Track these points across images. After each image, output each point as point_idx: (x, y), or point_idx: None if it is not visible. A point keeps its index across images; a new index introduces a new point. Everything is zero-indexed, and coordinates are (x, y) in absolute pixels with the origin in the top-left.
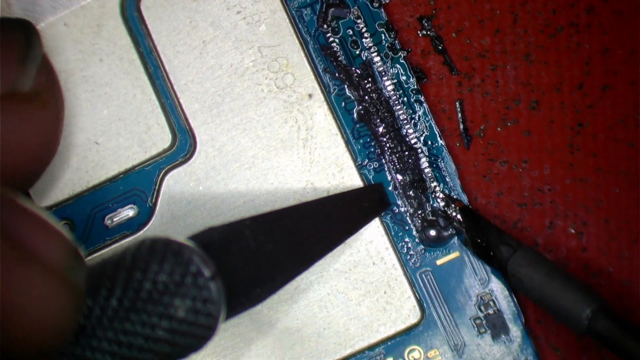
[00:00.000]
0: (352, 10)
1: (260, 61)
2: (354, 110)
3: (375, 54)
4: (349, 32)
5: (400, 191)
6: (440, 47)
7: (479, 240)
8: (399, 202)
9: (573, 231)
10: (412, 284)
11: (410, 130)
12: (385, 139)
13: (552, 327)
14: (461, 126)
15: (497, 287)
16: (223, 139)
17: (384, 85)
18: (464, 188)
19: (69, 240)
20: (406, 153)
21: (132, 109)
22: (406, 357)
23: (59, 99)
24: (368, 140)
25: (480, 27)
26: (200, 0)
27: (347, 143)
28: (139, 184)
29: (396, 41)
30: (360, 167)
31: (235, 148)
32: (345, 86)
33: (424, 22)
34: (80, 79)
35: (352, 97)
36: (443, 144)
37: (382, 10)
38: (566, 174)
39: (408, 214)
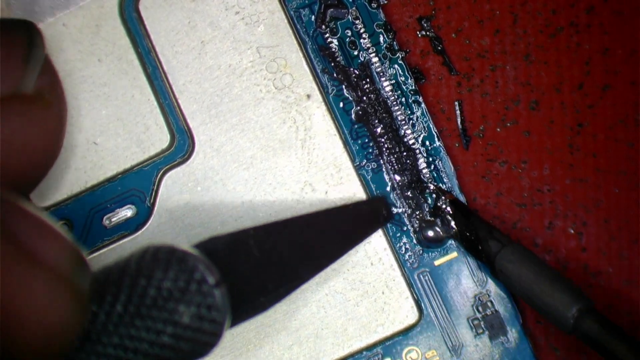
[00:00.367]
0: (350, 11)
1: (259, 62)
2: (352, 110)
3: (374, 54)
4: (347, 32)
5: (398, 192)
6: (439, 48)
7: (468, 234)
8: (397, 203)
9: (573, 231)
10: (410, 285)
11: (409, 131)
12: (383, 140)
13: (552, 327)
14: (460, 127)
15: (494, 287)
16: (221, 140)
17: (382, 85)
18: (462, 188)
19: (73, 245)
20: (404, 154)
21: (131, 109)
22: (404, 358)
23: (62, 100)
24: (366, 140)
25: (479, 27)
26: (199, 1)
27: (345, 143)
28: (138, 184)
29: (394, 42)
30: (358, 168)
31: (233, 148)
32: (344, 87)
33: (423, 22)
34: (79, 79)
35: (350, 97)
36: (441, 144)
37: (381, 11)
38: (566, 174)
39: (406, 214)
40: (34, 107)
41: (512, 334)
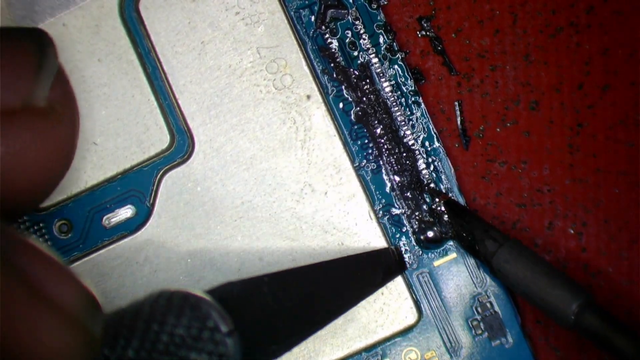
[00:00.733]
0: (350, 11)
1: (259, 62)
2: (352, 111)
3: (374, 55)
4: (347, 33)
5: (398, 192)
6: (439, 48)
7: (464, 234)
8: (396, 204)
9: (572, 232)
10: (409, 286)
11: (408, 132)
12: (382, 141)
13: (552, 327)
14: (460, 127)
15: (494, 288)
16: (221, 140)
17: (381, 86)
18: (462, 188)
19: (86, 288)
20: (404, 154)
21: (131, 110)
22: (403, 358)
23: (74, 112)
24: (366, 141)
25: (479, 27)
26: (199, 1)
27: (345, 144)
28: (137, 184)
29: (394, 43)
30: (357, 169)
31: (233, 149)
32: (343, 87)
33: (423, 22)
34: (79, 79)
35: (350, 98)
36: (440, 145)
37: (381, 11)
38: (566, 174)
39: (405, 215)
40: (45, 120)
41: (511, 334)
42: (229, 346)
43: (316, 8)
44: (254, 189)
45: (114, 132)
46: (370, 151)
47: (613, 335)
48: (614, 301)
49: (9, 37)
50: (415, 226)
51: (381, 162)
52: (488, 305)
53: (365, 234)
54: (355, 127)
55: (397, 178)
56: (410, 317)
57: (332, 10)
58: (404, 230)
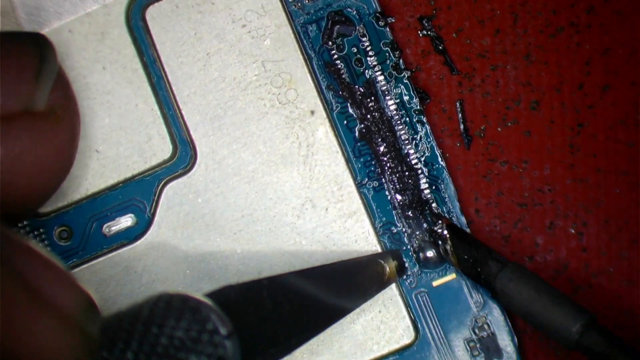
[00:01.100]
0: (357, 28)
1: (264, 76)
2: (356, 128)
3: (379, 72)
4: (354, 50)
5: (399, 211)
6: (440, 47)
7: (466, 257)
8: (398, 223)
9: (573, 231)
10: (407, 304)
11: (412, 151)
12: (385, 159)
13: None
14: (461, 126)
15: (491, 310)
16: (224, 152)
17: (386, 104)
18: (463, 188)
19: (84, 291)
20: (406, 173)
21: (134, 119)
22: None
23: (75, 115)
24: (369, 159)
25: (480, 27)
26: (206, 12)
27: (348, 161)
28: (138, 193)
29: (400, 61)
30: (359, 186)
31: (235, 162)
32: (348, 104)
33: (424, 22)
34: (83, 86)
35: (354, 115)
36: (444, 165)
37: (388, 29)
38: (566, 174)
39: (406, 234)
40: (45, 123)
41: (508, 356)
42: (228, 349)
43: (323, 23)
44: (255, 203)
45: (116, 141)
46: (372, 169)
47: (617, 355)
48: (614, 301)
49: (9, 41)
50: (415, 245)
51: (383, 180)
52: (485, 326)
53: (365, 251)
54: (359, 144)
55: (398, 197)
56: (408, 336)
57: (339, 26)
58: (403, 249)
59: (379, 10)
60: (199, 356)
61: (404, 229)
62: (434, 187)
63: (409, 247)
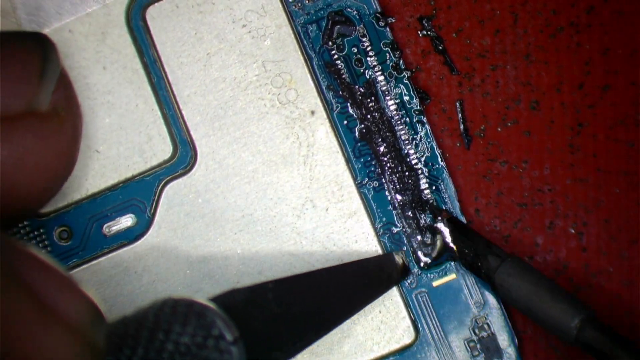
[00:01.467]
0: (357, 28)
1: (264, 76)
2: (356, 128)
3: (379, 73)
4: (354, 50)
5: (399, 211)
6: (440, 47)
7: (466, 251)
8: (398, 223)
9: (573, 231)
10: (407, 305)
11: (412, 151)
12: (386, 159)
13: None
14: (461, 126)
15: (492, 310)
16: (224, 152)
17: (386, 104)
18: (463, 188)
19: (90, 300)
20: (406, 173)
21: (134, 119)
22: None
23: (78, 116)
24: (369, 159)
25: (480, 27)
26: (206, 13)
27: (348, 161)
28: (139, 194)
29: (401, 61)
30: (360, 186)
31: (235, 162)
32: (348, 104)
33: (424, 22)
34: (83, 86)
35: (354, 115)
36: (444, 165)
37: (388, 29)
38: (566, 174)
39: (406, 234)
40: (48, 124)
41: (508, 356)
42: (234, 354)
43: (323, 24)
44: (255, 203)
45: (116, 141)
46: (373, 169)
47: (615, 350)
48: (614, 301)
49: (12, 41)
50: (415, 245)
51: (383, 180)
52: (485, 326)
53: (365, 251)
54: (359, 144)
55: (399, 197)
56: (408, 336)
57: (339, 26)
58: (403, 249)
59: (379, 10)
60: None
61: (404, 229)
62: (434, 187)
63: (408, 247)
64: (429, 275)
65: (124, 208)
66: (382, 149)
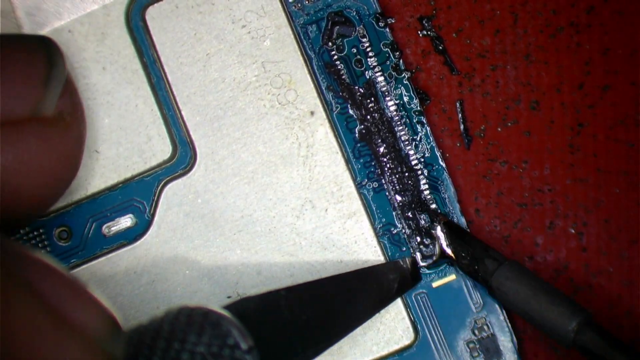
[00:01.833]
0: (357, 28)
1: (264, 76)
2: (356, 129)
3: (379, 73)
4: (354, 50)
5: (399, 212)
6: (440, 47)
7: (463, 255)
8: (397, 223)
9: (573, 231)
10: (406, 305)
11: (412, 152)
12: (385, 159)
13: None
14: (461, 126)
15: (491, 311)
16: (223, 153)
17: (386, 105)
18: (463, 188)
19: (108, 312)
20: (406, 174)
21: (134, 119)
22: None
23: (82, 122)
24: (368, 160)
25: (480, 27)
26: (206, 13)
27: (348, 162)
28: (138, 194)
29: (400, 61)
30: (359, 187)
31: (235, 162)
32: (348, 105)
33: (424, 22)
34: (83, 86)
35: (354, 116)
36: (444, 166)
37: (388, 30)
38: (566, 174)
39: (406, 235)
40: (53, 129)
41: (508, 357)
42: None
43: (323, 24)
44: (255, 203)
45: (116, 141)
46: (372, 170)
47: (612, 354)
48: (614, 301)
49: (18, 45)
50: (415, 246)
51: (383, 181)
52: (485, 327)
53: (364, 252)
54: (359, 145)
55: (398, 197)
56: (407, 337)
57: (339, 27)
58: (403, 250)
59: (379, 11)
60: None
61: (403, 230)
62: (434, 188)
63: (409, 248)
64: (428, 276)
65: (124, 208)
66: (382, 149)
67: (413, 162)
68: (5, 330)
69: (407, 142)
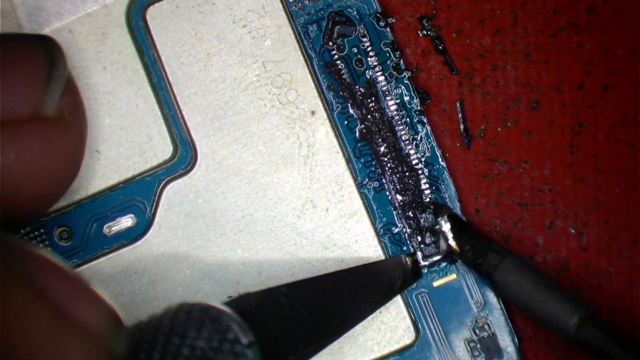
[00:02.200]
0: (358, 28)
1: (264, 76)
2: (356, 128)
3: (380, 73)
4: (354, 50)
5: (400, 211)
6: (440, 47)
7: (467, 248)
8: (398, 223)
9: (573, 231)
10: (407, 305)
11: (412, 151)
12: (386, 159)
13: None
14: (461, 126)
15: (492, 310)
16: (224, 153)
17: (387, 104)
18: (463, 188)
19: (110, 307)
20: (407, 173)
21: (134, 119)
22: None
23: (83, 121)
24: (369, 159)
25: (480, 27)
26: (206, 13)
27: (348, 161)
28: (139, 194)
29: (401, 61)
30: (360, 186)
31: (235, 162)
32: (349, 104)
33: (424, 22)
34: (84, 86)
35: (354, 115)
36: (444, 165)
37: (388, 29)
38: (566, 174)
39: (406, 234)
40: (54, 129)
41: (508, 356)
42: (250, 358)
43: (324, 24)
44: (255, 203)
45: (117, 141)
46: (373, 169)
47: (613, 348)
48: (614, 301)
49: (19, 44)
50: (416, 245)
51: (384, 181)
52: (486, 327)
53: (365, 251)
54: (359, 144)
55: (399, 197)
56: (408, 336)
57: (339, 26)
58: (404, 249)
59: (380, 10)
60: None
61: (404, 230)
62: (434, 188)
63: (409, 247)
64: (429, 275)
65: (125, 208)
66: (382, 149)
67: (414, 162)
68: (7, 327)
69: (407, 142)
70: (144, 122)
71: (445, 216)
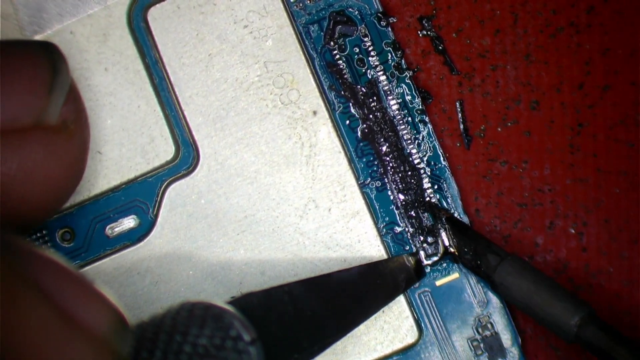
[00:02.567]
0: (359, 28)
1: (266, 76)
2: (358, 128)
3: (381, 72)
4: (356, 50)
5: (402, 211)
6: (440, 47)
7: (466, 250)
8: (400, 222)
9: (573, 231)
10: (410, 304)
11: (414, 150)
12: (388, 158)
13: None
14: (461, 126)
15: (495, 309)
16: (226, 153)
17: (388, 104)
18: (463, 188)
19: (116, 308)
20: (409, 173)
21: (136, 120)
22: None
23: (86, 129)
24: (371, 159)
25: (480, 27)
26: (208, 13)
27: (350, 161)
28: (141, 195)
29: (402, 60)
30: (362, 186)
31: (238, 162)
32: (350, 104)
33: (424, 22)
34: (85, 87)
35: (356, 115)
36: (446, 165)
37: (390, 29)
38: (566, 174)
39: (409, 233)
40: (57, 138)
41: (512, 356)
42: (252, 354)
43: (325, 24)
44: (258, 203)
45: (118, 142)
46: (375, 169)
47: (615, 348)
48: (614, 301)
49: (22, 52)
50: (418, 245)
51: (386, 180)
52: (489, 325)
53: (367, 251)
54: (361, 144)
55: (401, 196)
56: (411, 335)
57: (341, 26)
58: (406, 249)
59: (381, 10)
60: None
61: (406, 229)
62: (436, 187)
63: (412, 246)
64: (432, 274)
65: (127, 209)
66: (384, 148)
67: (415, 161)
68: (12, 328)
69: (409, 141)
70: (145, 123)
71: (443, 219)
